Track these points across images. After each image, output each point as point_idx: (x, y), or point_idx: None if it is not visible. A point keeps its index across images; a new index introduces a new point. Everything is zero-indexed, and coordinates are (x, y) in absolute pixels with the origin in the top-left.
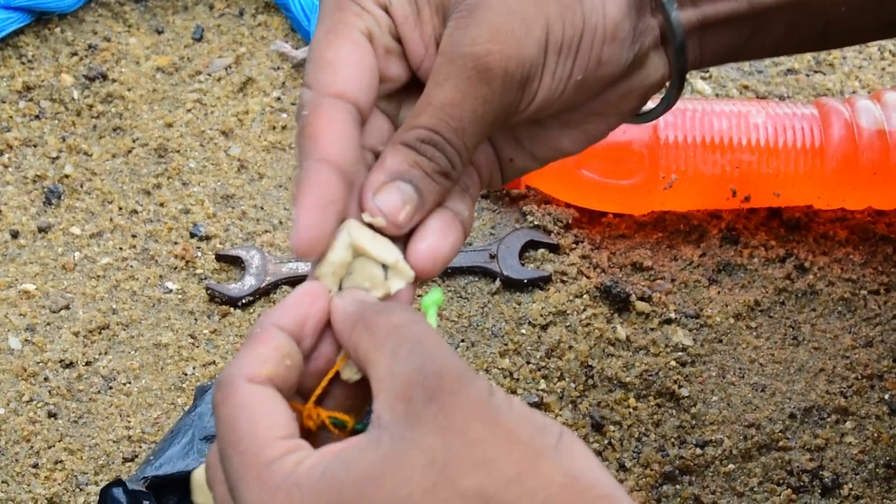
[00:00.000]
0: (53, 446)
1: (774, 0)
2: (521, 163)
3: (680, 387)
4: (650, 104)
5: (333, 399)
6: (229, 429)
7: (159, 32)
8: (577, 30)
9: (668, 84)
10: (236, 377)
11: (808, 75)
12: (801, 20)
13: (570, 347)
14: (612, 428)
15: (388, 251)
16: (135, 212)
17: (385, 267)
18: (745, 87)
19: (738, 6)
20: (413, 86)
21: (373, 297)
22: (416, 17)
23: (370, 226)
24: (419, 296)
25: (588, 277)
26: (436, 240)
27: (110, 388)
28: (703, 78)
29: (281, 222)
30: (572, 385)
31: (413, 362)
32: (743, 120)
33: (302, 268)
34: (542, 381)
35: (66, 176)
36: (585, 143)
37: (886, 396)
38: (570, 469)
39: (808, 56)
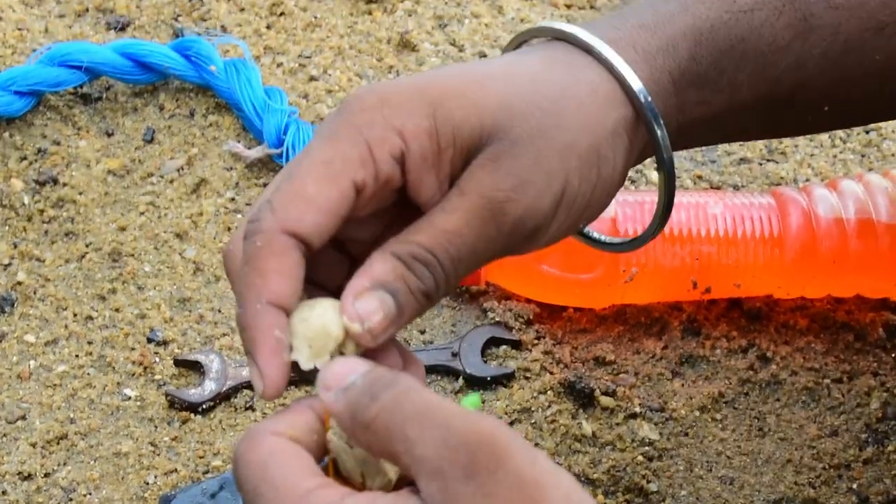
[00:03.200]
0: None
1: (750, 117)
2: None
3: (648, 482)
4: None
5: None
6: (260, 471)
7: (109, 135)
8: (591, 185)
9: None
10: (263, 431)
11: (760, 164)
12: (771, 127)
13: (537, 445)
14: None
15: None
16: (90, 318)
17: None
18: (699, 177)
19: (716, 126)
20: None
21: (357, 370)
22: (435, 158)
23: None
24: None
25: (551, 373)
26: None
27: (70, 499)
28: (657, 169)
29: None
30: None
31: (436, 441)
32: (701, 211)
33: None
34: None
35: (19, 283)
36: (546, 246)
37: (854, 486)
38: None
39: (760, 145)
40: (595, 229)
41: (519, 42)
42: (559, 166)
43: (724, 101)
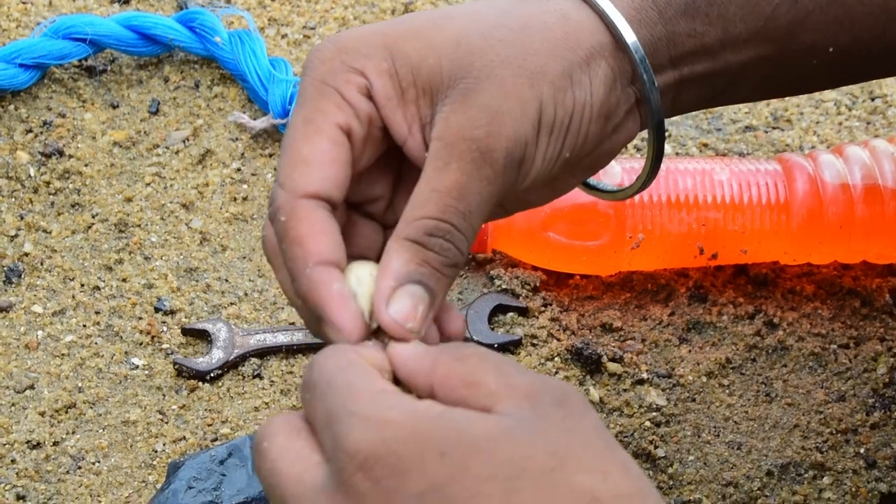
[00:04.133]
0: None
1: (748, 57)
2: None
3: (656, 447)
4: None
5: None
6: (339, 370)
7: (115, 107)
8: (567, 111)
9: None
10: (345, 349)
11: (766, 132)
12: (773, 73)
13: None
14: None
15: None
16: (97, 288)
17: None
18: (705, 146)
19: (715, 65)
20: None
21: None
22: (399, 98)
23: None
24: None
25: (558, 340)
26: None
27: (79, 467)
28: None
29: (246, 294)
30: None
31: (531, 376)
32: (707, 177)
33: (269, 339)
34: None
35: (26, 254)
36: (553, 197)
37: (862, 450)
38: None
39: (766, 112)
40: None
41: None
42: (530, 92)
43: (716, 35)
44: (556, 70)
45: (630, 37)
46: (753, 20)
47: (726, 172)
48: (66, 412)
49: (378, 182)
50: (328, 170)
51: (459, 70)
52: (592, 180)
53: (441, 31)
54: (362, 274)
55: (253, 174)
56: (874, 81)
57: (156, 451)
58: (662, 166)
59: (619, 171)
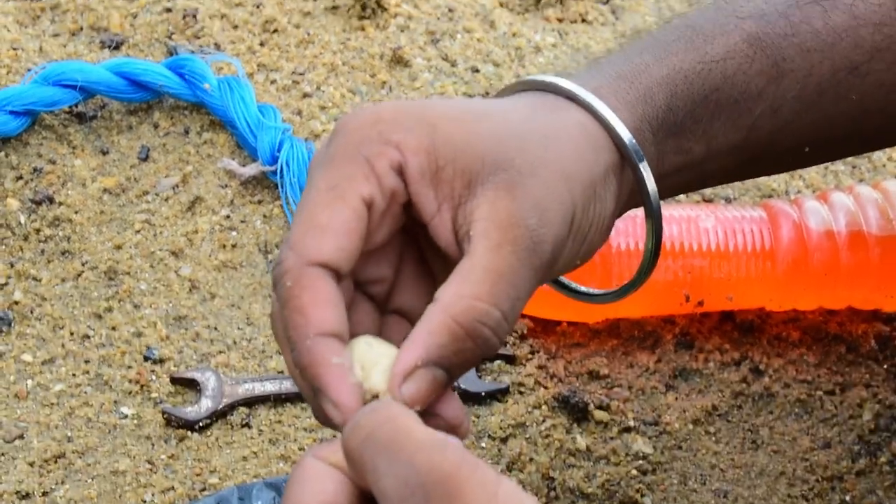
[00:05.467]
0: None
1: (727, 162)
2: None
3: (642, 496)
4: None
5: None
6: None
7: (104, 153)
8: (589, 219)
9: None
10: (307, 455)
11: None
12: (749, 169)
13: (531, 460)
14: None
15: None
16: (87, 336)
17: None
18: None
19: (694, 173)
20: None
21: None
22: (433, 175)
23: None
24: None
25: (545, 388)
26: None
27: None
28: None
29: (235, 342)
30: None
31: (395, 478)
32: (693, 225)
33: (258, 388)
34: None
35: (16, 302)
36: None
37: (847, 498)
38: None
39: None
40: None
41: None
42: (567, 194)
43: (701, 150)
44: (586, 179)
45: (651, 184)
46: (735, 133)
47: (712, 220)
48: (56, 462)
49: (384, 262)
50: (343, 240)
51: (501, 162)
52: (580, 287)
53: (480, 123)
54: (366, 354)
55: (242, 221)
56: None
57: (144, 502)
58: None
59: None
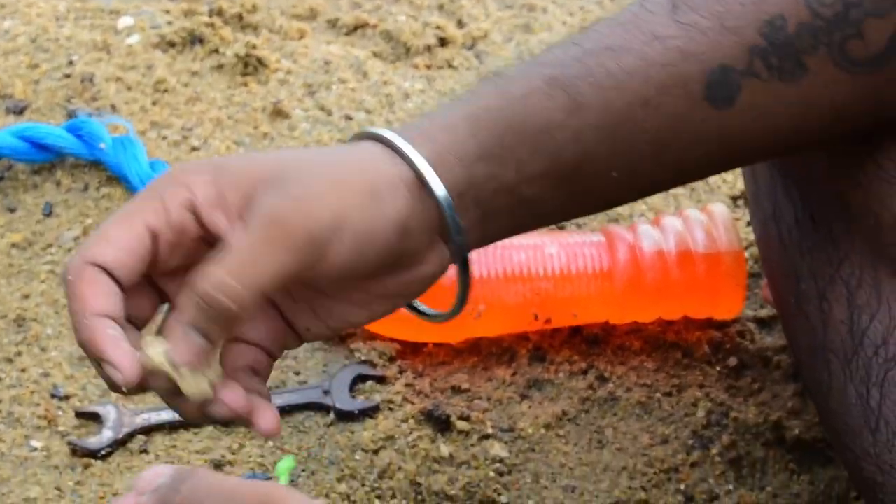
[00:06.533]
0: None
1: (542, 189)
2: (316, 331)
3: (499, 495)
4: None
5: None
6: None
7: (12, 211)
8: (371, 216)
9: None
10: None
11: None
12: (568, 199)
13: (400, 468)
14: None
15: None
16: None
17: None
18: None
19: (513, 199)
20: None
21: (165, 473)
22: (220, 199)
23: None
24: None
25: (412, 404)
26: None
27: None
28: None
29: None
30: (404, 502)
31: None
32: (539, 252)
33: (154, 417)
34: (377, 501)
35: None
36: (371, 318)
37: (682, 487)
38: None
39: None
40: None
41: None
42: (332, 190)
43: (512, 175)
44: (358, 180)
45: (440, 189)
46: (541, 159)
47: (555, 246)
48: None
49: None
50: (122, 254)
51: (276, 179)
52: (417, 304)
53: (262, 157)
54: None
55: None
56: None
57: None
58: (497, 243)
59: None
